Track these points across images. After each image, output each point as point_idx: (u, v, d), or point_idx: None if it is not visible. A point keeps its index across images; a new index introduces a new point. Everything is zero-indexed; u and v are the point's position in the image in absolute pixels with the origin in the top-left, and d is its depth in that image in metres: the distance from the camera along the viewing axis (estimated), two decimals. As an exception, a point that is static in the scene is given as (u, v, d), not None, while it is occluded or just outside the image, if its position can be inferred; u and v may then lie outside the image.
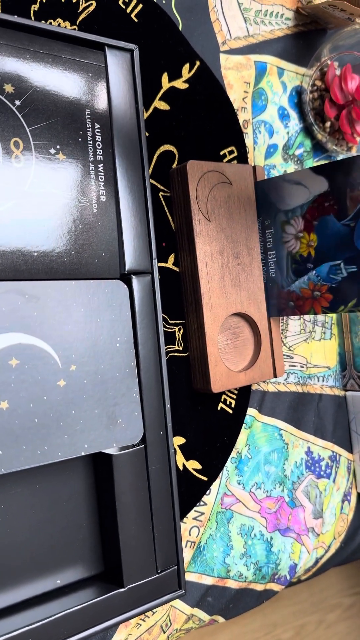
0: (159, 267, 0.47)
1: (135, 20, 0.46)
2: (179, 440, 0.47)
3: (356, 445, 0.60)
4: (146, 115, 0.46)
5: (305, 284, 0.48)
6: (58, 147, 0.36)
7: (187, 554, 0.47)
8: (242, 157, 0.52)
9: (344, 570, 1.35)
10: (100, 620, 0.37)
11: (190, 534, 0.47)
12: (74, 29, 0.43)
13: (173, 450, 0.40)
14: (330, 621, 1.34)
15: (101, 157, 0.38)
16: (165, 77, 0.48)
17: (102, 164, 0.38)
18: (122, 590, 0.38)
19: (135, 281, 0.39)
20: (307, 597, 1.29)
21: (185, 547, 0.46)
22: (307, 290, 0.48)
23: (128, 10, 0.46)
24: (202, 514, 0.47)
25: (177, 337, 0.48)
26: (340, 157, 0.60)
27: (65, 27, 0.43)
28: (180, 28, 0.49)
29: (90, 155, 0.37)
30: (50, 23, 0.42)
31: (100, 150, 0.38)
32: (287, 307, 0.49)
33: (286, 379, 0.55)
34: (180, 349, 0.48)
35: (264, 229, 0.49)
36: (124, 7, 0.46)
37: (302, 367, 0.56)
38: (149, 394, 0.39)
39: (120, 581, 0.38)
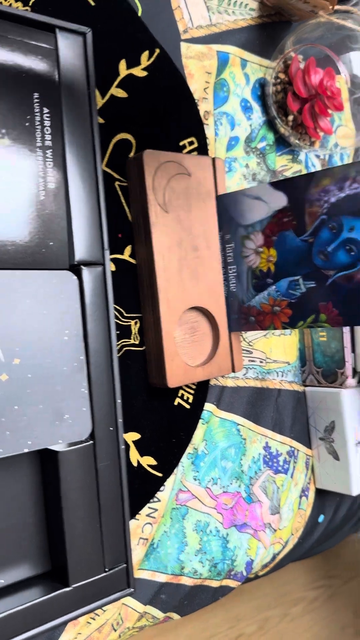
0: (115, 259, 0.45)
1: (93, 3, 0.45)
2: (133, 436, 0.46)
3: (315, 441, 0.60)
4: (102, 102, 0.45)
5: (265, 299, 0.47)
6: (3, 131, 0.35)
7: (140, 551, 0.46)
8: (203, 149, 0.51)
9: (307, 564, 1.37)
10: (45, 620, 0.35)
11: (143, 531, 0.46)
12: (26, 10, 0.41)
13: (124, 447, 0.39)
14: (294, 614, 1.36)
15: (50, 142, 0.37)
16: (123, 64, 0.46)
17: (50, 150, 0.37)
18: (68, 589, 0.37)
19: (85, 272, 0.38)
20: (270, 590, 1.31)
21: (138, 544, 0.46)
22: (267, 305, 0.47)
23: (84, -7, 0.45)
24: (156, 510, 0.46)
25: (133, 331, 0.47)
26: (303, 152, 0.60)
27: (17, 7, 0.41)
28: (139, 14, 0.47)
29: (38, 141, 0.36)
30: (1, 3, 0.40)
31: (50, 136, 0.37)
32: (248, 322, 0.49)
33: (245, 374, 0.54)
34: (137, 342, 0.47)
35: (225, 243, 0.49)
36: (80, -11, 0.44)
37: (261, 362, 0.56)
38: (98, 389, 0.38)
39: (65, 580, 0.37)
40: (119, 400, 0.39)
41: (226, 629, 1.21)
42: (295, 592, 1.35)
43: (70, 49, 0.38)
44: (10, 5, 0.41)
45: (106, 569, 0.38)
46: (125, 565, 0.39)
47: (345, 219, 0.42)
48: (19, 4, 0.41)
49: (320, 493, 0.61)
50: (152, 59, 0.48)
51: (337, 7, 0.53)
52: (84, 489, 0.37)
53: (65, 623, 0.36)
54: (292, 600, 1.34)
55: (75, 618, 0.36)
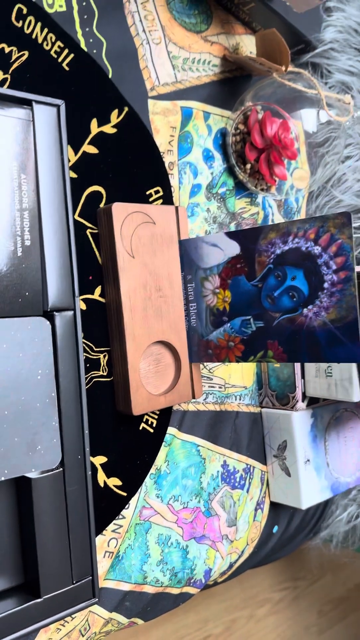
0: (86, 299, 0.50)
1: (67, 68, 0.50)
2: (101, 459, 0.51)
3: (269, 458, 0.65)
4: (75, 158, 0.50)
5: (222, 335, 0.53)
6: (-15, 196, 0.39)
7: (105, 563, 0.51)
8: (168, 197, 0.56)
9: (273, 567, 1.43)
10: (18, 628, 0.40)
11: (109, 545, 0.51)
12: (6, 78, 0.46)
13: (90, 472, 0.44)
14: (260, 615, 1.42)
15: (27, 204, 0.41)
16: (94, 123, 0.51)
17: (27, 211, 0.41)
18: (39, 600, 0.41)
19: (57, 317, 0.43)
20: (238, 592, 1.36)
21: (104, 557, 0.50)
22: (223, 340, 0.53)
23: (59, 60, 0.49)
24: (121, 526, 0.51)
25: (102, 363, 0.52)
26: (259, 197, 0.66)
27: (-2, 75, 0.46)
28: (110, 75, 0.52)
29: (16, 204, 0.41)
30: (-17, 72, 0.45)
31: (26, 199, 0.41)
32: (206, 355, 0.54)
33: (205, 399, 0.60)
34: (105, 374, 0.51)
35: (186, 283, 0.54)
36: (55, 56, 0.49)
37: (220, 387, 0.61)
38: (68, 422, 0.43)
39: (37, 592, 0.41)
40: (86, 431, 0.44)
41: (195, 630, 1.26)
42: (262, 594, 1.41)
43: (45, 120, 0.43)
44: (-8, 74, 0.46)
45: (74, 581, 0.43)
46: (90, 577, 0.44)
47: (288, 268, 0.48)
48: (0, 72, 0.46)
49: (275, 505, 0.67)
50: (121, 117, 0.53)
51: (289, 68, 0.59)
52: (54, 510, 0.42)
53: (36, 630, 0.41)
54: (258, 602, 1.40)
55: (46, 625, 0.41)
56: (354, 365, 0.59)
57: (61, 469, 0.42)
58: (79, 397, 0.44)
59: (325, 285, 0.46)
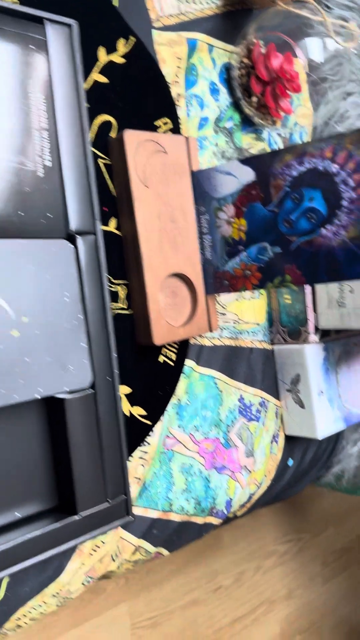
0: (102, 231, 0.50)
1: (72, -6, 0.49)
2: (125, 390, 0.51)
3: (282, 392, 0.66)
4: (86, 87, 0.49)
5: (237, 265, 0.53)
6: (4, 115, 0.39)
7: (133, 490, 0.52)
8: (176, 129, 0.56)
9: (278, 520, 1.46)
10: (59, 543, 0.41)
11: (136, 472, 0.52)
12: (16, 2, 0.45)
13: (119, 394, 0.45)
14: (267, 567, 1.46)
15: (45, 124, 0.41)
16: (102, 51, 0.50)
17: (46, 131, 0.41)
18: (77, 517, 0.42)
19: (80, 241, 0.43)
20: (245, 546, 1.40)
21: (132, 483, 0.51)
22: (239, 270, 0.53)
23: (65, -15, 0.48)
24: (147, 453, 0.52)
25: (121, 296, 0.52)
26: (266, 131, 0.66)
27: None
28: (115, 4, 0.51)
29: (34, 122, 0.40)
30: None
31: (44, 119, 0.41)
32: (222, 286, 0.54)
33: (221, 333, 0.60)
34: (125, 307, 0.52)
35: (200, 214, 0.54)
36: (61, -19, 0.48)
37: (234, 323, 0.62)
38: (96, 344, 0.43)
39: (74, 510, 0.42)
40: (114, 355, 0.44)
41: (205, 583, 1.29)
42: (267, 547, 1.45)
43: (58, 39, 0.42)
44: (-1, -3, 0.44)
45: (108, 500, 0.44)
46: (124, 496, 0.45)
47: (306, 190, 0.48)
48: (6, -4, 0.45)
49: (289, 440, 0.68)
50: (128, 46, 0.52)
51: (293, -3, 0.58)
52: (87, 430, 0.43)
53: (76, 545, 0.42)
54: (264, 554, 1.44)
55: (86, 540, 0.42)
56: (366, 293, 0.60)
57: (92, 390, 0.43)
58: (104, 320, 0.44)
59: (344, 203, 0.47)
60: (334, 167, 0.46)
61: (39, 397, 0.39)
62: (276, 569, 1.47)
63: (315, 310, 0.65)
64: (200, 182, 0.54)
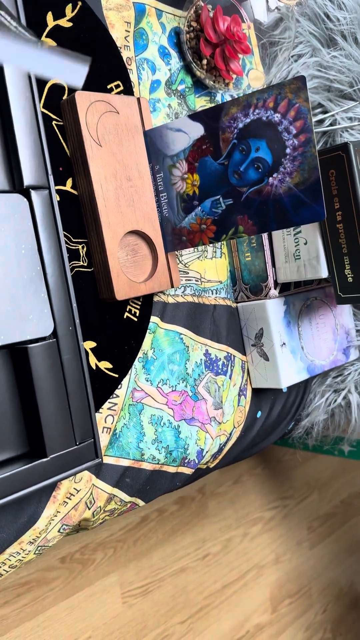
0: (59, 190, 0.52)
1: None
2: (90, 344, 0.53)
3: (248, 348, 0.69)
4: (34, 50, 0.50)
5: (194, 220, 0.55)
6: None
7: (104, 439, 0.54)
8: (128, 92, 0.58)
9: (262, 487, 1.50)
10: (30, 484, 0.43)
11: (106, 422, 0.54)
12: None
13: (82, 343, 0.46)
14: (254, 534, 1.50)
15: (-7, 83, 0.42)
16: (50, 16, 0.52)
17: (-6, 89, 0.42)
18: (46, 459, 0.44)
19: (34, 194, 0.44)
20: (231, 513, 1.43)
21: (102, 432, 0.54)
22: (195, 224, 0.55)
23: None
24: (116, 404, 0.54)
25: (82, 254, 0.54)
26: (219, 93, 0.68)
27: None
28: (60, -32, 0.53)
29: (-18, 81, 0.42)
30: None
31: (-8, 77, 0.42)
32: (180, 242, 0.56)
33: (183, 291, 0.63)
34: (85, 264, 0.54)
35: (155, 173, 0.56)
36: None
37: (197, 281, 0.64)
38: (56, 294, 0.45)
39: (43, 452, 0.44)
40: (74, 305, 0.46)
41: (194, 550, 1.33)
42: (253, 514, 1.48)
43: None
44: None
45: (77, 442, 0.46)
46: (92, 439, 0.47)
47: (252, 140, 0.50)
48: None
49: (257, 393, 0.71)
50: (75, 11, 0.54)
51: None
52: (52, 377, 0.44)
53: (47, 486, 0.44)
54: (250, 521, 1.47)
55: (57, 481, 0.44)
56: (320, 244, 0.63)
57: (54, 339, 0.45)
58: (63, 271, 0.46)
59: (287, 150, 0.49)
60: (277, 116, 0.49)
61: (1, 345, 0.41)
62: (263, 535, 1.51)
63: (274, 265, 0.67)
64: (154, 141, 0.56)
